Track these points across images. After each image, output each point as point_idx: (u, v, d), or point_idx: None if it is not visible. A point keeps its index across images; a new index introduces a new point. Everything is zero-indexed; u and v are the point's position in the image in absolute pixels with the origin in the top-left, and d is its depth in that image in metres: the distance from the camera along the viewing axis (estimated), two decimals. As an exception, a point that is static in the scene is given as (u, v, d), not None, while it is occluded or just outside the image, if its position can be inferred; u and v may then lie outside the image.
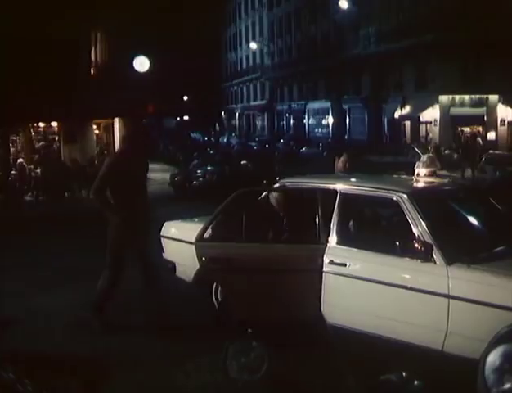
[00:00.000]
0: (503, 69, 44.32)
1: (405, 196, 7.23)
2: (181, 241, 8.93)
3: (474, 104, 48.96)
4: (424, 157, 8.77)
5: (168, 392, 6.64)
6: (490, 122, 48.78)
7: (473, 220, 8.09)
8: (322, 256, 7.44)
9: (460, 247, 6.86)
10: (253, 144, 55.36)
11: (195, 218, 9.57)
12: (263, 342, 5.47)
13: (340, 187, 7.85)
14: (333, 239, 7.52)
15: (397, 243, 6.86)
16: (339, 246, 7.48)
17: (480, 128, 49.58)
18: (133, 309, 8.91)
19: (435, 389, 5.90)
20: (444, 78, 47.19)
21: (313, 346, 7.41)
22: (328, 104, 68.09)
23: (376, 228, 7.82)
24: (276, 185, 8.47)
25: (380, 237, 7.50)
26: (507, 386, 2.50)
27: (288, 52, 77.81)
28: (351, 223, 7.89)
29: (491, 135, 48.31)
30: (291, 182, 8.69)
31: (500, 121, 48.86)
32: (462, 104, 49.23)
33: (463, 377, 6.04)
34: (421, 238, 6.79)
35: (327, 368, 6.79)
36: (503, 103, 47.85)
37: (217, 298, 8.65)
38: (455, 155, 41.18)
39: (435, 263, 6.65)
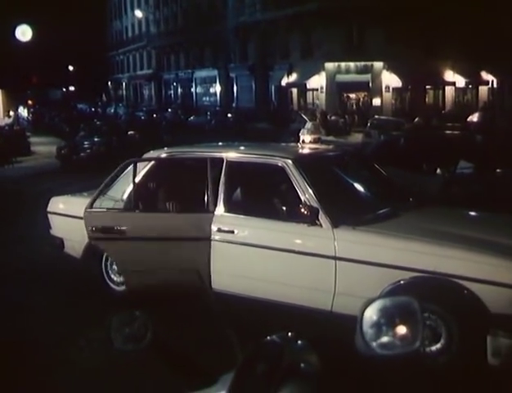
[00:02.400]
0: (387, 36, 45.31)
1: (290, 161, 7.28)
2: (69, 217, 8.69)
3: (359, 71, 49.92)
4: (308, 124, 8.83)
5: (61, 367, 6.52)
6: (375, 88, 49.85)
7: (357, 184, 8.26)
8: (210, 225, 7.40)
9: (345, 210, 7.03)
10: (141, 114, 54.68)
11: (84, 192, 9.31)
12: (148, 312, 5.46)
13: (226, 155, 7.81)
14: (220, 207, 7.49)
15: (284, 208, 7.03)
16: (226, 214, 7.46)
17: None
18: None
19: (320, 347, 6.07)
20: (329, 45, 47.88)
21: (201, 314, 7.45)
22: (215, 72, 68.09)
23: (263, 195, 7.76)
24: (164, 155, 8.37)
25: (267, 203, 7.52)
26: (384, 339, 2.63)
27: (174, 20, 77.14)
28: (238, 190, 7.88)
29: (377, 101, 49.42)
30: (178, 151, 8.61)
31: (385, 87, 50.02)
32: (348, 71, 50.14)
33: (348, 334, 6.23)
34: (307, 203, 6.85)
35: (214, 336, 6.84)
36: (387, 70, 48.94)
37: (106, 271, 8.55)
38: (341, 121, 42.05)
39: (321, 226, 6.75)
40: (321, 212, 6.77)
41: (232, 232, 7.31)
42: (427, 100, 51.87)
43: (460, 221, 7.56)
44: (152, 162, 8.30)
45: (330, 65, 49.91)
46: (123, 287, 8.30)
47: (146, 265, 7.61)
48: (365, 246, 6.62)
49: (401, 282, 6.30)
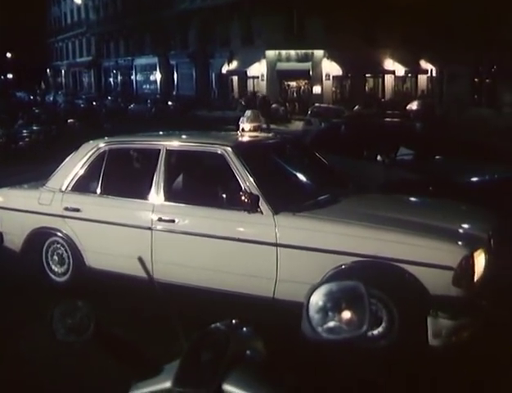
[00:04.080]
0: (328, 24, 45.55)
1: (229, 149, 7.32)
2: (8, 210, 8.62)
3: (300, 59, 50.09)
4: (248, 112, 8.76)
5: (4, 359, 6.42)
6: (315, 76, 50.10)
7: (297, 172, 8.28)
8: (151, 214, 7.49)
9: (285, 197, 7.09)
10: (80, 102, 54.11)
11: (24, 184, 9.19)
12: (91, 302, 5.40)
13: (166, 143, 7.87)
14: (160, 196, 7.55)
15: (224, 196, 6.99)
16: (166, 203, 7.52)
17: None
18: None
19: (264, 333, 6.09)
20: (270, 33, 47.91)
21: (145, 304, 7.41)
22: (155, 60, 67.63)
23: (203, 183, 7.78)
24: (102, 144, 8.29)
25: (207, 191, 7.53)
26: (331, 324, 2.64)
27: (113, 6, 76.21)
28: (178, 179, 7.86)
29: (317, 89, 49.69)
30: (118, 140, 8.63)
31: (326, 76, 50.30)
32: (288, 59, 50.29)
33: (292, 320, 6.25)
34: (247, 190, 6.90)
35: (159, 326, 6.79)
36: (328, 58, 49.21)
37: (47, 262, 8.46)
38: (282, 109, 42.17)
39: (262, 213, 6.81)
40: (261, 199, 6.81)
41: (173, 221, 7.34)
42: (367, 88, 52.37)
43: (398, 206, 7.71)
44: (96, 149, 8.25)
45: (270, 53, 49.99)
46: (64, 278, 8.32)
47: (104, 248, 7.88)
48: (305, 232, 6.70)
49: (343, 266, 6.40)
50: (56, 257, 8.37)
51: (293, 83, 52.28)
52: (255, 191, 6.89)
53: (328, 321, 2.74)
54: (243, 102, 38.55)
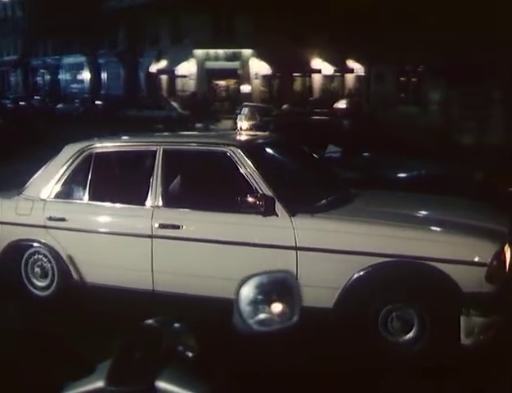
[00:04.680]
0: (256, 23, 45.71)
1: (238, 149, 6.89)
2: None
3: (229, 58, 50.17)
4: (245, 110, 8.37)
5: None
6: (244, 75, 50.24)
7: (303, 172, 8.11)
8: (150, 220, 6.99)
9: (297, 198, 6.76)
10: (7, 102, 53.04)
11: None
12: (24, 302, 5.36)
13: (162, 144, 7.36)
14: (160, 201, 7.06)
15: (235, 199, 6.52)
16: (169, 208, 7.06)
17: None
18: None
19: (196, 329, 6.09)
20: (198, 32, 47.82)
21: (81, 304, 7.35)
22: (83, 59, 66.74)
23: (210, 186, 7.17)
24: (88, 147, 7.72)
25: (215, 194, 7.00)
26: (262, 316, 2.68)
27: (42, 4, 74.76)
28: (181, 182, 7.37)
29: (246, 88, 49.82)
30: (107, 143, 7.91)
31: (254, 75, 50.49)
32: (217, 58, 50.33)
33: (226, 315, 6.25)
34: (261, 192, 6.51)
35: (91, 325, 6.72)
36: (256, 57, 49.40)
37: (27, 275, 7.90)
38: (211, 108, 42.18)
39: (277, 216, 6.46)
40: (276, 201, 6.48)
41: (178, 227, 6.85)
42: (295, 87, 52.77)
43: (413, 203, 7.47)
44: (81, 153, 7.65)
45: (199, 52, 49.97)
46: (47, 292, 7.78)
47: (94, 259, 7.38)
48: (328, 234, 6.40)
49: (370, 268, 6.14)
50: (37, 270, 7.80)
51: (222, 82, 52.31)
52: (269, 192, 6.52)
53: (259, 313, 2.78)
54: (172, 102, 38.32)
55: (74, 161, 7.61)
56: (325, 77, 52.88)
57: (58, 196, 7.61)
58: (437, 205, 7.42)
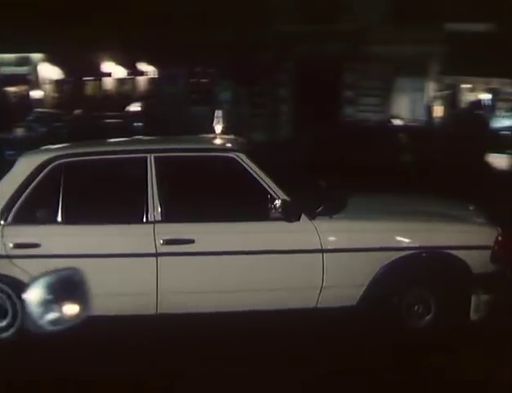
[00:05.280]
0: (45, 28, 44.62)
1: (243, 155, 6.75)
2: None
3: (18, 63, 48.74)
4: (218, 112, 7.81)
5: None
6: (35, 81, 49.04)
7: (296, 175, 8.18)
8: (153, 237, 6.48)
9: (307, 201, 6.84)
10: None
11: None
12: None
13: (156, 153, 6.79)
14: (162, 215, 6.56)
15: (251, 207, 6.55)
16: (172, 223, 6.59)
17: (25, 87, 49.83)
18: None
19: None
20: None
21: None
22: None
23: (218, 195, 6.78)
24: (54, 159, 6.78)
25: (226, 203, 6.65)
26: (52, 315, 2.82)
27: None
28: (183, 192, 6.86)
29: (36, 94, 48.68)
30: (77, 152, 7.12)
31: (44, 80, 49.41)
32: (5, 63, 48.76)
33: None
34: (277, 197, 6.44)
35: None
36: (46, 62, 48.37)
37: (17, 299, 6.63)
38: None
39: (298, 220, 6.51)
40: (292, 206, 6.49)
41: (192, 241, 6.43)
42: (87, 91, 52.20)
43: (410, 201, 8.00)
44: (44, 165, 6.71)
45: (-14, 58, 48.22)
46: (6, 334, 6.79)
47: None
48: (351, 234, 6.67)
49: (394, 262, 6.66)
50: None
51: (12, 89, 50.78)
52: (285, 197, 6.48)
53: (49, 313, 2.91)
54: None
55: (37, 175, 6.63)
56: (118, 80, 52.70)
57: (22, 219, 6.58)
58: (423, 201, 8.09)
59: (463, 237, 6.89)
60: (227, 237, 6.57)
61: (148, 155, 6.65)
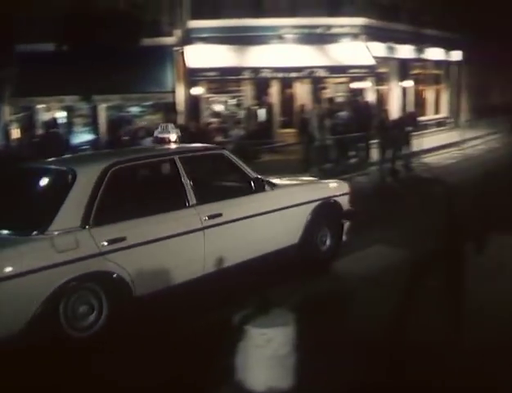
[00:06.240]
0: None
1: (225, 150, 9.46)
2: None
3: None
4: (164, 124, 9.40)
5: None
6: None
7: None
8: (198, 216, 8.22)
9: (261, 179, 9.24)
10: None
11: None
12: None
13: (179, 155, 8.51)
14: (199, 200, 8.31)
15: (238, 185, 9.16)
16: (206, 204, 8.34)
17: None
18: None
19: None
20: None
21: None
22: None
23: (223, 179, 9.66)
24: (112, 165, 7.71)
25: (228, 184, 9.51)
26: None
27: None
28: (204, 181, 9.16)
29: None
30: (126, 159, 8.17)
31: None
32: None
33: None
34: (254, 176, 9.05)
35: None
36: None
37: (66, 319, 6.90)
38: None
39: (266, 190, 9.19)
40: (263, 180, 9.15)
41: (220, 214, 8.36)
42: None
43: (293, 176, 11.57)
44: (105, 172, 7.57)
45: None
46: (90, 331, 7.14)
47: (158, 265, 7.69)
48: (292, 195, 9.57)
49: (315, 210, 9.75)
50: (80, 309, 7.07)
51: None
52: (255, 175, 9.11)
53: None
54: None
55: (102, 182, 7.46)
56: None
57: (102, 220, 7.29)
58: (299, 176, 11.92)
59: (338, 189, 10.51)
60: (237, 208, 8.74)
61: (175, 156, 8.45)
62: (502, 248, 9.44)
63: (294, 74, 29.11)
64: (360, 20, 29.83)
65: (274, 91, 30.38)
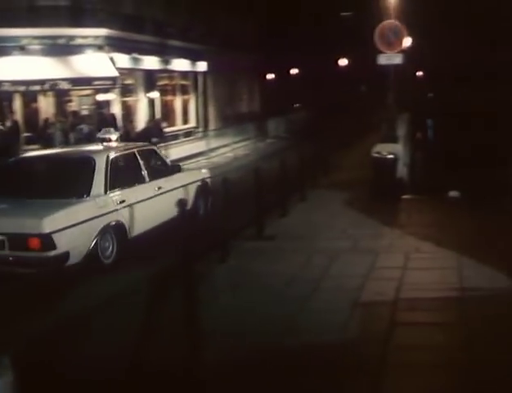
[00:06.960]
0: None
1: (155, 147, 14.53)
2: (73, 226, 10.08)
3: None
4: (109, 129, 12.99)
5: None
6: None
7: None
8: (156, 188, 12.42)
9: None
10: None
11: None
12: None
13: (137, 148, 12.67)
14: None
15: (172, 169, 13.43)
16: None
17: None
18: None
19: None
20: None
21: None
22: None
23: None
24: (113, 153, 11.81)
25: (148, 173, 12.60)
26: None
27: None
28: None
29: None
30: (117, 149, 12.34)
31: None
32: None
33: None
34: (170, 163, 13.74)
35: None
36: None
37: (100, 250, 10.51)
38: None
39: (180, 172, 13.63)
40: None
41: (161, 187, 12.31)
42: None
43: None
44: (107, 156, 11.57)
45: None
46: (110, 259, 10.84)
47: (142, 217, 11.72)
48: (191, 175, 14.09)
49: (200, 186, 14.10)
50: (105, 245, 10.60)
51: None
52: (174, 163, 14.35)
53: None
54: None
55: (108, 165, 11.14)
56: None
57: (111, 189, 10.94)
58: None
59: (207, 174, 14.83)
60: (170, 183, 12.68)
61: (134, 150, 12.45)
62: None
63: (36, 87, 27.94)
64: (103, 31, 29.36)
65: (17, 105, 28.97)
